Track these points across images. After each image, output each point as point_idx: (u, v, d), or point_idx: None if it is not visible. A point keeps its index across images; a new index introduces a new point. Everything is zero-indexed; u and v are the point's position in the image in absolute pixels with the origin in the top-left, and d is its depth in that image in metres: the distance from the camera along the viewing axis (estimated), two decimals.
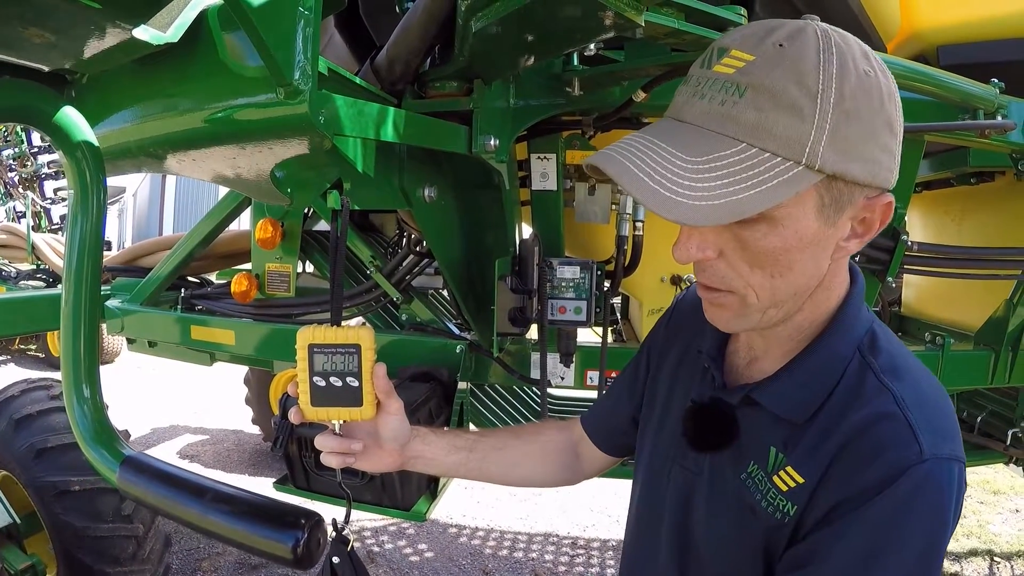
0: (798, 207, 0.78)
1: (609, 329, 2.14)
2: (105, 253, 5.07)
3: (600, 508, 4.71)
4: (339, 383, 1.01)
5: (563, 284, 1.95)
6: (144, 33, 0.99)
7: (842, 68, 0.76)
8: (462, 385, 2.20)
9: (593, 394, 2.59)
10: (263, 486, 4.87)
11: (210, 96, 1.06)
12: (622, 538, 3.93)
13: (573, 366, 2.21)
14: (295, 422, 1.07)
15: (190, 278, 3.68)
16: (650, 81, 1.61)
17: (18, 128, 11.36)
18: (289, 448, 1.69)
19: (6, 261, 8.06)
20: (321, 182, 1.11)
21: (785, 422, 0.89)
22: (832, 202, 0.79)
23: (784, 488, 0.87)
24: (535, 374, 2.20)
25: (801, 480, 0.85)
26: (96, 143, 1.22)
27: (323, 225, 3.35)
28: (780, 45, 0.76)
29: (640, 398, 1.21)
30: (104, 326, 3.60)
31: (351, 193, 1.16)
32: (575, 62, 1.69)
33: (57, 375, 5.64)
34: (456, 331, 2.54)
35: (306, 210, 2.93)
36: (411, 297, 2.61)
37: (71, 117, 1.19)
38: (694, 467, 1.00)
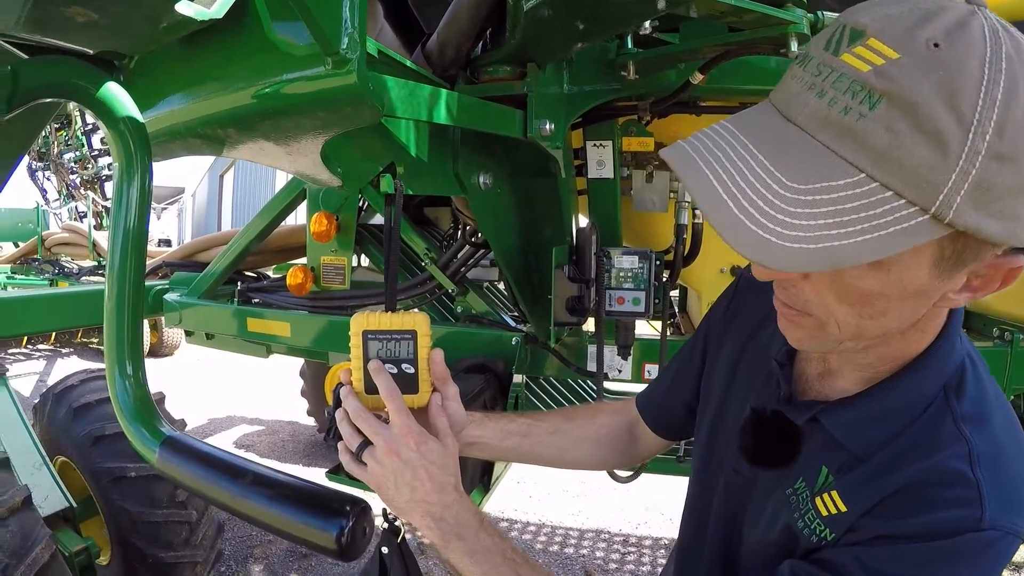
0: (912, 256, 0.65)
1: (667, 322, 2.09)
2: (164, 249, 5.19)
3: (654, 506, 4.64)
4: (394, 370, 0.99)
5: (621, 275, 1.91)
6: (187, 8, 0.96)
7: (1010, 92, 0.58)
8: (517, 378, 2.17)
9: None
10: (317, 476, 4.92)
11: (258, 73, 1.04)
12: (675, 537, 3.84)
13: (631, 359, 2.16)
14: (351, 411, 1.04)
15: (247, 272, 3.74)
16: (707, 62, 1.56)
17: (79, 132, 11.71)
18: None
19: (69, 258, 8.35)
20: (374, 165, 1.09)
21: (846, 449, 0.83)
22: (953, 256, 0.66)
23: (824, 513, 0.81)
24: (591, 367, 2.16)
25: (843, 509, 0.80)
26: (140, 119, 1.19)
27: (378, 219, 3.36)
28: (935, 45, 0.59)
29: (695, 387, 1.15)
30: (163, 319, 3.70)
31: (405, 178, 1.14)
32: (629, 45, 1.65)
33: (102, 366, 5.80)
34: (512, 323, 2.51)
35: (360, 203, 2.95)
36: (466, 289, 2.59)
37: (114, 92, 1.17)
38: (747, 474, 0.95)
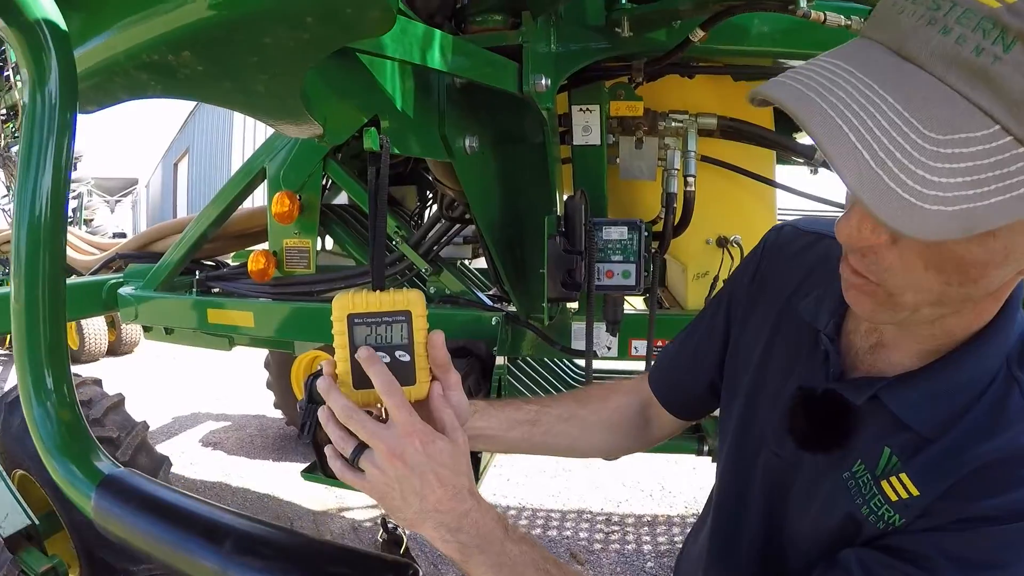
0: None
1: (644, 298, 1.99)
2: (118, 241, 4.93)
3: (632, 483, 4.58)
4: (387, 359, 0.85)
5: (609, 246, 1.79)
6: None
7: None
8: (499, 360, 2.06)
9: (640, 365, 2.46)
10: (289, 472, 4.83)
11: None
12: (656, 513, 3.78)
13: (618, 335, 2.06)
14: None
15: (205, 262, 3.56)
16: (710, 18, 1.46)
17: None
18: (318, 434, 1.54)
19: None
20: (357, 116, 0.95)
21: (910, 428, 0.74)
22: None
23: (893, 498, 0.73)
24: (575, 345, 2.06)
25: (916, 492, 0.72)
26: (63, 26, 0.88)
27: (343, 198, 3.22)
28: None
29: (718, 363, 1.05)
30: (119, 315, 3.52)
31: (391, 135, 1.01)
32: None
33: (75, 368, 5.53)
34: (489, 303, 2.40)
35: (324, 181, 2.80)
36: (440, 268, 2.47)
37: None
38: (790, 457, 0.86)
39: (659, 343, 2.08)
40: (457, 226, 2.37)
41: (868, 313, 0.71)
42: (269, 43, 0.78)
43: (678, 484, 4.55)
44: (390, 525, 0.88)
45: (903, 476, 0.72)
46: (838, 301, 0.83)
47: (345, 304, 0.85)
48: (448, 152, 1.33)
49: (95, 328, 8.68)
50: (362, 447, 0.83)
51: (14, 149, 11.41)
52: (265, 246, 2.86)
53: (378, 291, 0.87)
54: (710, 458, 2.43)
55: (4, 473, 2.77)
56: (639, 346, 2.12)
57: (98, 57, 0.91)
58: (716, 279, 2.25)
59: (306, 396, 1.13)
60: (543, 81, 1.32)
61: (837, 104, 0.54)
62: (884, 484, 0.74)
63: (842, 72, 0.57)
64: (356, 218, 2.98)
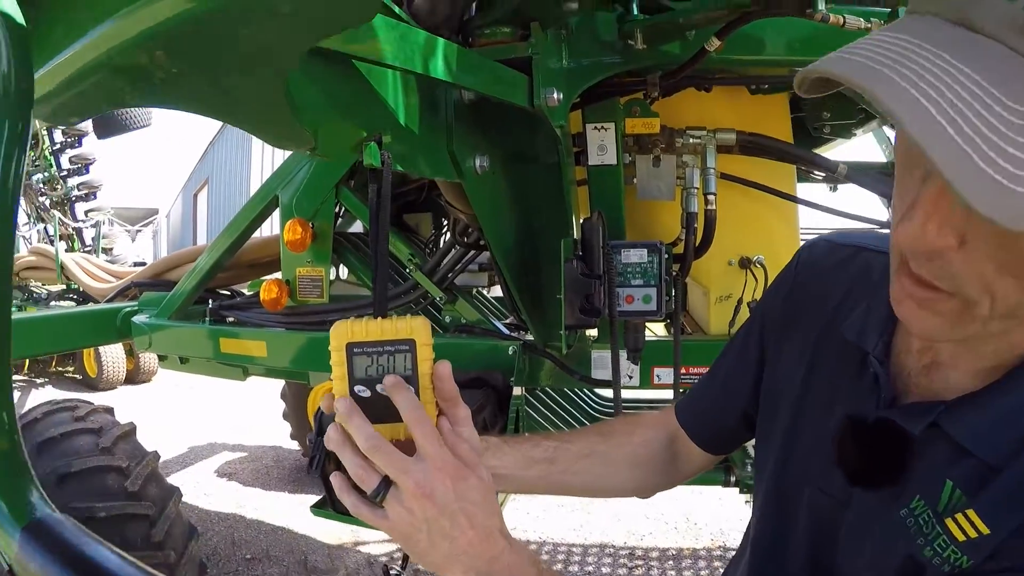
0: None
1: (665, 324, 1.90)
2: (133, 270, 4.94)
3: (656, 515, 4.44)
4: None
5: (628, 270, 1.71)
6: None
7: None
8: (516, 391, 1.98)
9: (663, 394, 2.37)
10: (304, 504, 4.73)
11: None
12: (682, 546, 3.64)
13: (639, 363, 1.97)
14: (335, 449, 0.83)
15: (220, 291, 3.52)
16: (725, 27, 1.39)
17: (46, 152, 11.43)
18: (327, 469, 1.46)
19: (38, 283, 8.07)
20: (354, 129, 0.89)
21: (974, 456, 0.66)
22: None
23: (960, 537, 0.64)
24: (596, 374, 1.97)
25: (985, 531, 0.63)
26: (21, 20, 0.79)
27: (357, 226, 3.17)
28: None
29: (751, 392, 0.96)
30: (133, 343, 3.49)
31: (394, 152, 0.94)
32: (635, 11, 1.47)
33: (92, 396, 5.51)
34: (506, 331, 2.32)
35: (337, 209, 2.75)
36: (455, 296, 2.40)
37: None
38: (839, 494, 0.77)
39: (685, 371, 1.99)
40: (472, 253, 2.30)
41: (930, 330, 0.62)
42: (245, 37, 0.71)
43: (704, 516, 4.40)
44: (392, 571, 0.81)
45: (970, 513, 0.63)
46: (885, 318, 0.75)
47: (343, 332, 0.78)
48: (457, 172, 1.26)
49: (113, 356, 8.69)
50: (386, 483, 0.74)
51: (35, 177, 11.56)
52: (278, 275, 2.82)
53: (380, 318, 0.80)
54: (737, 489, 2.33)
55: None
56: (661, 374, 2.03)
57: (74, 65, 0.86)
58: (740, 302, 2.15)
59: (316, 429, 1.06)
60: (555, 95, 1.24)
61: (911, 76, 0.47)
62: (948, 522, 0.65)
63: (908, 45, 0.50)
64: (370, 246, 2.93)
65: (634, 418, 1.16)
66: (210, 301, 3.21)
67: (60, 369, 9.80)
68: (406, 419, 0.74)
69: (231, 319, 3.06)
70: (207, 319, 3.14)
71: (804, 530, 0.82)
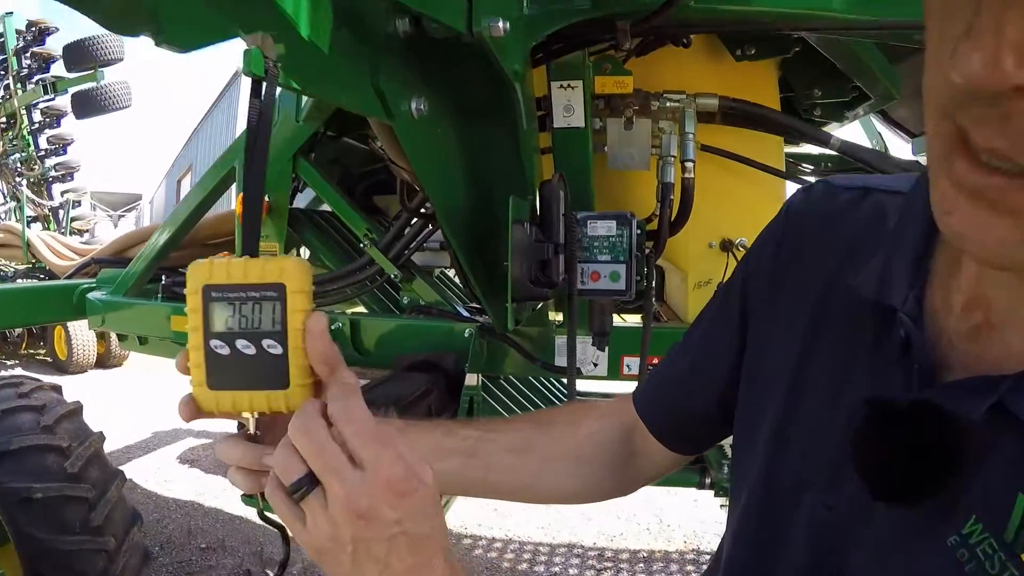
0: None
1: (652, 303, 1.73)
2: (94, 246, 4.76)
3: (628, 515, 4.29)
4: (250, 349, 0.62)
5: (595, 244, 1.54)
6: None
7: None
8: (471, 379, 1.80)
9: (630, 386, 2.20)
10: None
11: None
12: (654, 548, 3.46)
13: (607, 351, 1.81)
14: (184, 419, 0.68)
15: (179, 270, 3.35)
16: None
17: (24, 132, 11.20)
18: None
19: (5, 261, 7.84)
20: (223, 23, 0.71)
21: None
22: None
23: None
24: (560, 361, 1.80)
25: None
26: None
27: (316, 201, 3.00)
28: None
29: (731, 373, 0.76)
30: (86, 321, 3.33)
31: (294, 69, 0.78)
32: None
33: (60, 379, 5.31)
34: (465, 314, 2.15)
35: (295, 182, 2.58)
36: (412, 275, 2.22)
37: None
38: (852, 511, 0.56)
39: (654, 361, 1.82)
40: (430, 228, 2.14)
41: (1000, 245, 0.40)
42: None
43: (677, 517, 4.25)
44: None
45: None
46: (913, 266, 0.57)
47: (201, 273, 0.63)
48: (386, 111, 1.08)
49: (83, 339, 8.50)
50: (311, 479, 0.57)
51: (12, 157, 11.33)
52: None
53: (246, 257, 0.64)
54: (712, 492, 2.17)
55: None
56: (632, 364, 1.87)
57: None
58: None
59: None
60: (500, 24, 1.05)
61: None
62: None
63: None
64: (332, 224, 2.76)
65: (581, 406, 0.97)
66: (164, 276, 3.04)
67: (31, 352, 9.60)
68: (333, 411, 0.59)
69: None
70: (159, 296, 2.97)
71: (797, 559, 0.61)
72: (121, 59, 11.10)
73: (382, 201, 2.99)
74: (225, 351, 0.63)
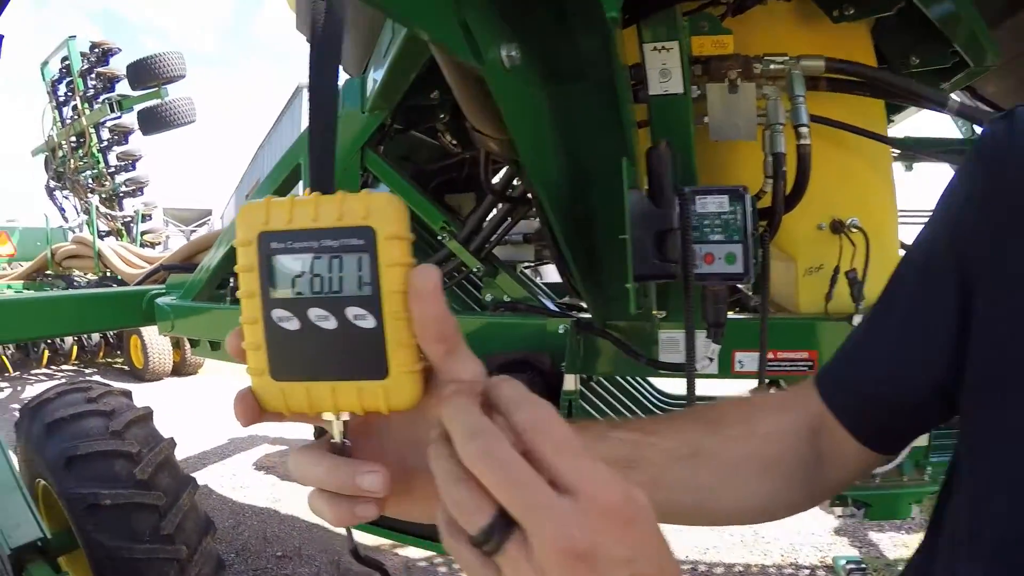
0: None
1: (768, 289, 1.54)
2: (164, 254, 4.82)
3: (720, 527, 4.05)
4: (330, 322, 0.46)
5: (705, 223, 1.35)
6: None
7: None
8: (569, 382, 1.63)
9: (743, 385, 1.98)
10: None
11: None
12: (749, 562, 3.19)
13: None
14: (243, 422, 0.50)
15: None
16: None
17: (94, 150, 11.55)
18: None
19: (79, 272, 8.05)
20: None
21: None
22: None
23: None
24: (664, 359, 1.62)
25: None
26: None
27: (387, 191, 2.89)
28: None
29: (954, 352, 0.61)
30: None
31: None
32: None
33: (137, 386, 5.38)
34: (555, 308, 1.98)
35: (364, 177, 2.46)
36: (495, 270, 2.07)
37: None
38: None
39: (773, 356, 1.64)
40: (509, 221, 1.98)
41: None
42: None
43: (773, 530, 3.97)
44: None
45: None
46: None
47: (255, 216, 0.46)
48: (473, 52, 0.92)
49: (160, 347, 8.67)
50: (503, 523, 0.39)
51: (83, 174, 11.69)
52: None
53: (317, 193, 0.47)
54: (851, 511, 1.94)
55: (21, 481, 2.58)
56: (744, 360, 1.68)
57: None
58: (836, 272, 1.77)
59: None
60: None
61: None
62: None
63: None
64: None
65: (751, 399, 0.79)
66: (231, 281, 2.99)
67: (109, 360, 9.87)
68: (521, 420, 0.41)
69: None
70: (228, 299, 2.91)
71: None
72: (183, 76, 11.36)
73: (454, 200, 2.86)
74: (294, 325, 0.46)
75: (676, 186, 1.26)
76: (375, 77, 1.99)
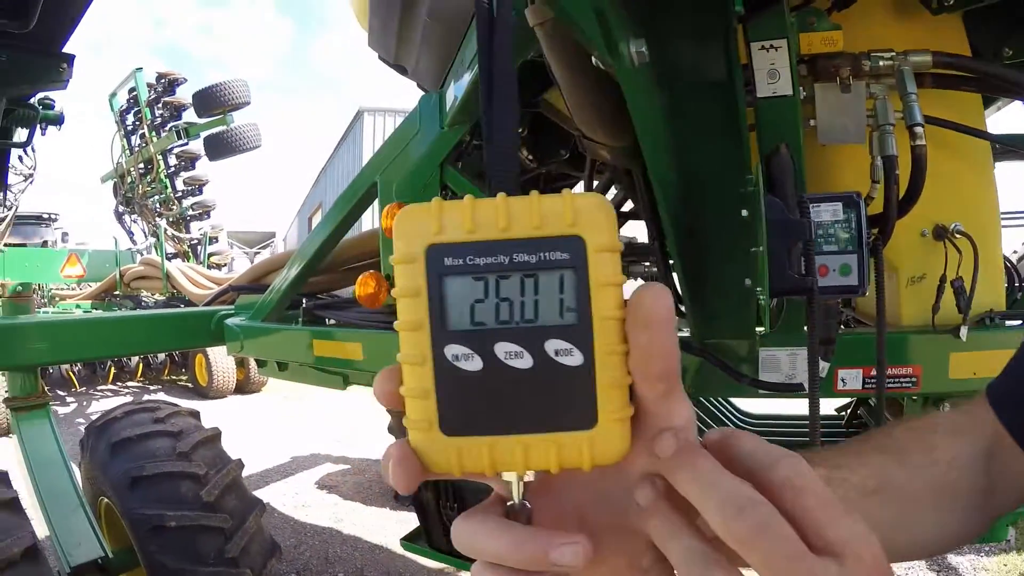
0: None
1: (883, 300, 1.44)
2: (232, 275, 4.89)
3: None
4: (523, 360, 0.37)
5: (818, 232, 1.27)
6: None
7: None
8: None
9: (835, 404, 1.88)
10: (405, 523, 4.42)
11: None
12: None
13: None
14: (402, 488, 0.40)
15: (318, 296, 3.29)
16: None
17: (162, 176, 11.89)
18: (423, 495, 1.09)
19: (148, 293, 8.25)
20: None
21: None
22: None
23: None
24: (766, 377, 1.53)
25: None
26: None
27: None
28: None
29: None
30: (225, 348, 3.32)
31: None
32: None
33: (201, 404, 5.49)
34: None
35: (444, 194, 2.43)
36: None
37: None
38: None
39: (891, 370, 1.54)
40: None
41: None
42: None
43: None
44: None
45: None
46: None
47: (423, 223, 0.37)
48: (607, 44, 0.86)
49: (224, 366, 8.82)
50: None
51: (152, 199, 12.05)
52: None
53: (501, 195, 0.38)
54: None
55: (85, 499, 2.59)
56: (847, 377, 1.57)
57: None
58: (943, 281, 1.65)
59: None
60: None
61: None
62: None
63: None
64: None
65: (924, 421, 0.71)
66: (304, 301, 2.97)
67: (173, 378, 10.09)
68: (781, 476, 0.35)
69: (332, 322, 2.79)
70: (300, 320, 2.89)
71: None
72: (248, 103, 11.65)
73: None
74: (474, 365, 0.38)
75: (799, 185, 1.18)
76: (456, 91, 1.96)
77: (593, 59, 0.99)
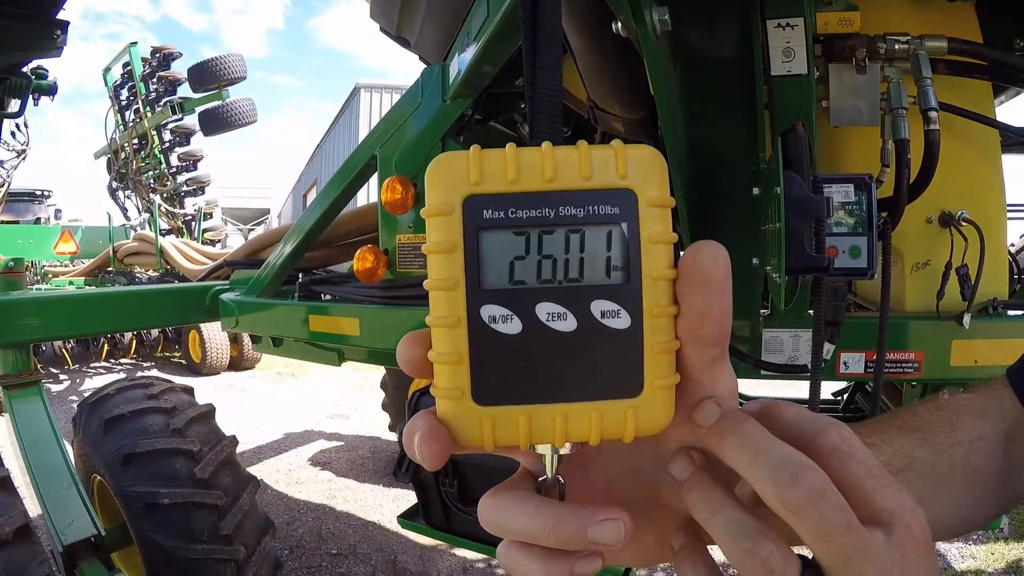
0: None
1: (888, 284, 1.43)
2: (227, 250, 4.86)
3: None
4: (566, 323, 0.35)
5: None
6: None
7: None
8: None
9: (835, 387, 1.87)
10: (399, 500, 4.45)
11: None
12: None
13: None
14: (429, 463, 0.37)
15: (314, 271, 3.27)
16: None
17: (156, 151, 11.78)
18: (423, 472, 1.08)
19: (141, 269, 8.20)
20: None
21: None
22: None
23: None
24: (769, 358, 1.52)
25: None
26: None
27: None
28: None
29: None
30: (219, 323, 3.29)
31: None
32: None
33: (195, 380, 5.47)
34: None
35: None
36: None
37: None
38: None
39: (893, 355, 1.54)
40: None
41: None
42: None
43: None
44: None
45: None
46: None
47: (458, 172, 0.35)
48: (632, 8, 0.83)
49: (217, 341, 8.78)
50: (815, 572, 0.33)
51: (146, 175, 11.96)
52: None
53: (545, 143, 0.35)
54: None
55: (77, 477, 2.56)
56: (849, 361, 1.57)
57: None
58: (948, 268, 1.65)
59: (410, 414, 0.67)
60: None
61: None
62: None
63: None
64: None
65: (948, 401, 0.70)
66: (300, 276, 2.95)
67: (167, 354, 10.04)
68: (831, 443, 0.34)
69: (328, 297, 2.76)
70: (296, 295, 2.87)
71: None
72: (244, 77, 11.54)
73: None
74: (513, 327, 0.35)
75: (814, 163, 1.17)
76: (459, 64, 1.93)
77: (613, 27, 0.97)
